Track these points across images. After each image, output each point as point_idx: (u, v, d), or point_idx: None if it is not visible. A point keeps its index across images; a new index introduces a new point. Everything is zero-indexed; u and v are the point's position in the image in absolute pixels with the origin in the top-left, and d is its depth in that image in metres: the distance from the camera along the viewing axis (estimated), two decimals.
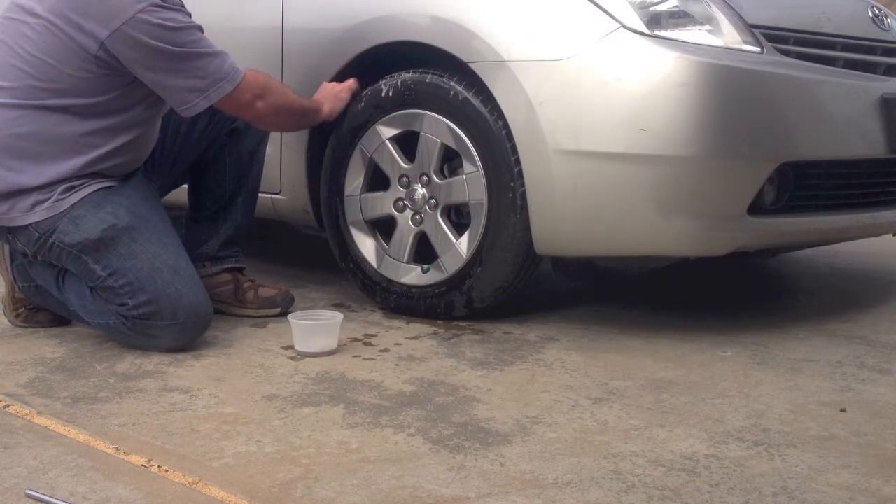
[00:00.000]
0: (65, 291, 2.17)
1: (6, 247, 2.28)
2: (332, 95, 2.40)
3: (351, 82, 2.43)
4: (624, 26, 2.11)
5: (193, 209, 2.50)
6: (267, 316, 2.41)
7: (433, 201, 2.35)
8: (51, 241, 2.09)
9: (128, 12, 2.00)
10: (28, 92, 2.05)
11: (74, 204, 2.08)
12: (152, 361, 2.04)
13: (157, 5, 2.02)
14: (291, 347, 2.12)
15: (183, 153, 2.40)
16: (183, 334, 2.10)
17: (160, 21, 2.02)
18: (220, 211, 2.46)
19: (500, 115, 2.21)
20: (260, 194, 2.63)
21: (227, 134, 2.41)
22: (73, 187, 2.09)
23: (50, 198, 2.08)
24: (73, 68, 2.04)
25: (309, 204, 2.62)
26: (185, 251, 2.20)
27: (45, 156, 2.07)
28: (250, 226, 2.53)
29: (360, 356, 2.09)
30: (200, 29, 2.13)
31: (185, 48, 2.06)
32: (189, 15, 2.12)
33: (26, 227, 2.09)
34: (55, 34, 2.02)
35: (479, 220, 2.27)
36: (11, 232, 2.13)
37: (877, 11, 2.51)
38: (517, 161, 2.19)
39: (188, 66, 2.07)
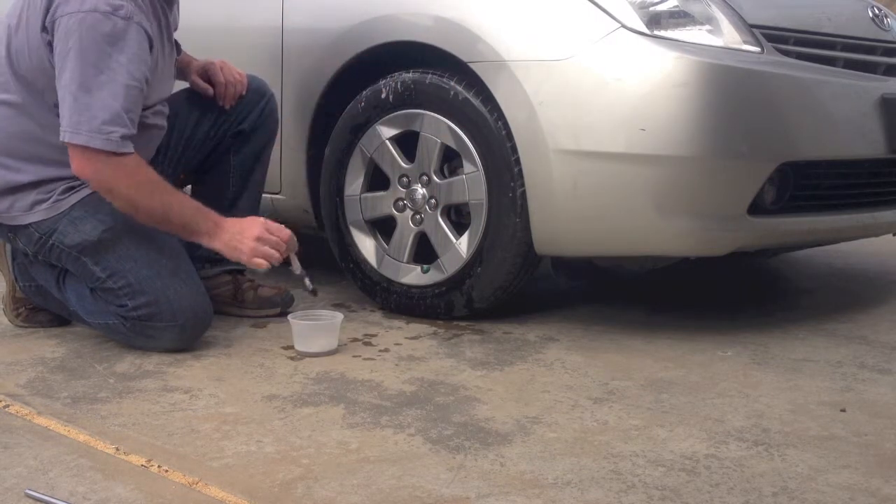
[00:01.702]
0: (65, 291, 2.17)
1: (7, 246, 2.28)
2: (240, 245, 2.06)
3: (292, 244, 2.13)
4: (624, 26, 2.11)
5: None
6: (267, 316, 2.41)
7: (433, 201, 2.35)
8: (50, 241, 2.09)
9: (85, 5, 1.93)
10: (21, 90, 2.05)
11: (74, 205, 2.08)
12: (152, 361, 2.04)
13: (112, 12, 1.93)
14: (291, 347, 2.12)
15: (187, 155, 2.40)
16: (182, 335, 2.10)
17: (98, 24, 1.92)
18: (223, 213, 2.45)
19: (500, 115, 2.20)
20: None
21: (233, 136, 2.40)
22: (72, 187, 2.09)
23: (49, 198, 2.08)
24: (45, 61, 2.01)
25: (309, 204, 2.62)
26: (185, 252, 2.20)
27: (41, 155, 2.07)
28: None
29: (360, 356, 2.09)
30: (141, 79, 1.99)
31: (95, 66, 1.93)
32: (151, 43, 2.01)
33: (27, 226, 2.10)
34: (32, 26, 2.01)
35: (479, 220, 2.27)
36: (13, 231, 2.13)
37: (877, 11, 2.51)
38: (517, 161, 2.19)
39: (83, 88, 1.93)
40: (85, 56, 1.94)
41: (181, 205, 2.07)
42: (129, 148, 1.99)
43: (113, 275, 2.08)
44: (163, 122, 2.23)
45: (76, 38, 1.94)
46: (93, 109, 1.95)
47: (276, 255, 2.08)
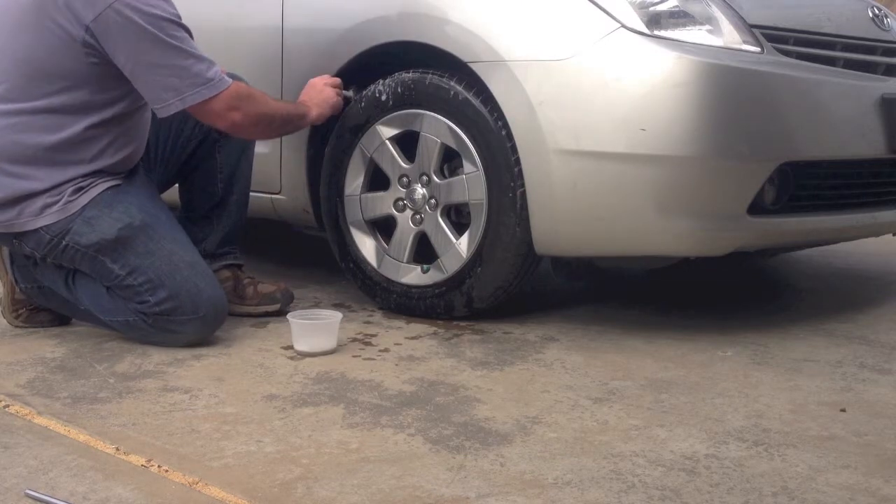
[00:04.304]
0: (76, 291, 2.17)
1: (5, 249, 2.28)
2: (322, 100, 2.35)
3: (336, 80, 2.41)
4: (624, 26, 2.11)
5: (186, 209, 2.50)
6: (266, 313, 2.41)
7: (433, 201, 2.35)
8: (64, 242, 2.09)
9: None
10: (24, 93, 2.05)
11: (85, 205, 2.09)
12: (152, 361, 2.04)
13: None
14: (291, 347, 2.12)
15: (176, 150, 2.41)
16: (204, 327, 2.13)
17: (146, 7, 2.00)
18: (214, 209, 2.46)
19: (500, 115, 2.21)
20: (260, 194, 2.63)
21: (217, 131, 2.40)
22: (81, 188, 2.10)
23: (59, 200, 2.08)
24: (63, 57, 2.02)
25: (309, 204, 2.62)
26: (195, 247, 2.21)
27: (47, 159, 2.07)
28: (245, 223, 2.53)
29: (360, 356, 2.09)
30: (189, 32, 2.10)
31: (169, 39, 2.02)
32: (178, 15, 2.10)
33: (36, 230, 2.09)
34: (45, 25, 2.01)
35: (479, 220, 2.27)
36: (18, 237, 2.13)
37: (877, 11, 2.51)
38: (517, 161, 2.19)
39: (169, 61, 2.03)
40: (152, 32, 2.01)
41: (283, 102, 2.36)
42: (230, 81, 2.13)
43: (133, 272, 2.09)
44: None
45: (137, 19, 1.99)
46: (195, 66, 2.06)
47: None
